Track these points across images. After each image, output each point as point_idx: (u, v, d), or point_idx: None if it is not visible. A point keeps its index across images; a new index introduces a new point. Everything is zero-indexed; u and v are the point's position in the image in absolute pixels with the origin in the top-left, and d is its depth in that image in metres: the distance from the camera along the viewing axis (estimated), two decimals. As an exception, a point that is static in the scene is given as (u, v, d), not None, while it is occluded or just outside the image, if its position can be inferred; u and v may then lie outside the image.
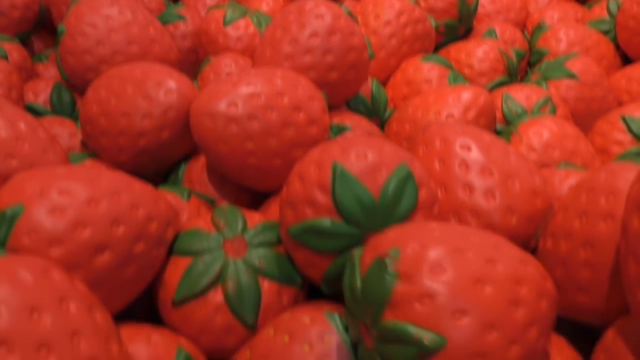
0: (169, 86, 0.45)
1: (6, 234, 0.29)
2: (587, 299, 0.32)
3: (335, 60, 0.48)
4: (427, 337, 0.25)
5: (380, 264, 0.27)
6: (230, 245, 0.35)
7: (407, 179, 0.33)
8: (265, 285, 0.35)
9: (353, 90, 0.51)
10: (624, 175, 0.32)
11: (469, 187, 0.36)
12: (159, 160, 0.46)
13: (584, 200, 0.32)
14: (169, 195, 0.41)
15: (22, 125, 0.39)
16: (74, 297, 0.25)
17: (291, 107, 0.42)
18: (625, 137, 0.50)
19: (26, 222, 0.30)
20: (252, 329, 0.34)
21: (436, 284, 0.26)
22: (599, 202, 0.31)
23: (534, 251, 0.36)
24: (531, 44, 0.71)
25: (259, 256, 0.35)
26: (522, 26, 0.76)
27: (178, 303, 0.34)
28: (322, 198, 0.32)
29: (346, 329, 0.31)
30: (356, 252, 0.30)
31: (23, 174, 0.32)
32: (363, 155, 0.33)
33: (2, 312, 0.23)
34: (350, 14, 0.51)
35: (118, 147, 0.45)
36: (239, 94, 0.41)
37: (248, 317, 0.34)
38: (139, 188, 0.34)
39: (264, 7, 0.73)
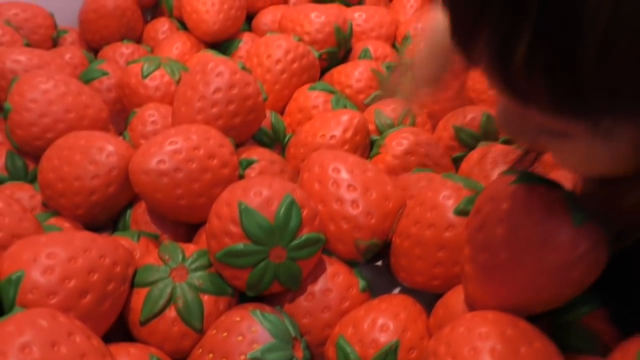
0: (110, 150, 0.57)
1: (14, 293, 0.41)
2: (422, 279, 0.47)
3: (237, 108, 0.61)
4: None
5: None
6: (175, 273, 0.48)
7: (292, 205, 0.47)
8: (206, 298, 0.48)
9: (254, 128, 0.64)
10: (443, 193, 0.46)
11: (340, 200, 0.50)
12: (109, 209, 0.59)
13: (417, 211, 0.47)
14: (123, 240, 0.53)
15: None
16: (76, 331, 0.38)
17: (206, 156, 0.55)
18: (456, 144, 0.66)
19: (28, 282, 0.42)
20: (201, 332, 0.47)
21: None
22: (426, 214, 0.46)
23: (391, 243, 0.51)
24: (401, 56, 0.86)
25: (197, 278, 0.48)
26: (393, 39, 0.90)
27: (144, 323, 0.47)
28: (235, 229, 0.46)
29: (266, 319, 0.45)
30: None
31: (16, 246, 0.44)
32: (259, 193, 0.47)
33: (33, 349, 0.35)
34: (245, 67, 0.63)
35: (75, 204, 0.57)
36: (165, 151, 0.54)
37: (196, 324, 0.47)
38: (103, 242, 0.46)
39: (174, 52, 0.85)
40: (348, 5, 0.97)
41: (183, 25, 0.92)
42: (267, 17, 0.93)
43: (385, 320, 0.45)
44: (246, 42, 0.88)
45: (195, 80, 0.61)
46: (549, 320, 0.41)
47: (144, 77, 0.74)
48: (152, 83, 0.74)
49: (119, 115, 0.78)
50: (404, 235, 0.48)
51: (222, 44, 0.88)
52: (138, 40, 0.94)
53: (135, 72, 0.74)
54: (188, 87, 0.62)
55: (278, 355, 0.44)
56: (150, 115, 0.70)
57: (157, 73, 0.74)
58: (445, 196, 0.46)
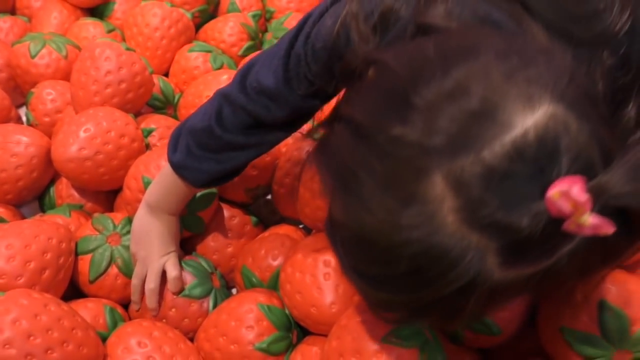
0: (26, 141, 0.66)
1: (-13, 281, 0.53)
2: (294, 214, 0.63)
3: (128, 86, 0.71)
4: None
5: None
6: (111, 239, 0.61)
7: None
8: (138, 254, 0.61)
9: (147, 98, 0.75)
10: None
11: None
12: (35, 190, 0.69)
13: (287, 166, 0.62)
14: (58, 217, 0.64)
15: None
16: (49, 302, 0.50)
17: (118, 136, 0.66)
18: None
19: (-5, 272, 0.53)
20: (139, 280, 0.61)
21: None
22: (294, 169, 0.61)
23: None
24: (264, 4, 0.96)
25: (129, 239, 0.61)
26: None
27: (92, 281, 0.60)
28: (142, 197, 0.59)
29: (186, 264, 0.59)
30: None
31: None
32: (157, 166, 0.60)
33: (22, 322, 0.48)
34: (128, 48, 0.72)
35: (4, 192, 0.67)
36: (82, 139, 0.64)
37: (134, 274, 0.61)
38: (46, 226, 0.57)
39: (53, 22, 0.91)
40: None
41: (54, -11, 0.96)
42: (137, -26, 0.99)
43: (274, 248, 0.60)
44: (120, 3, 0.94)
45: (87, 66, 0.70)
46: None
47: (33, 56, 0.80)
48: (42, 61, 0.80)
49: (15, 91, 0.84)
50: (279, 184, 0.64)
51: (97, 8, 0.94)
52: (12, 11, 0.97)
53: (23, 52, 0.81)
54: (81, 74, 0.71)
55: (202, 289, 0.59)
56: (48, 94, 0.77)
57: (44, 51, 0.81)
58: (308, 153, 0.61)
